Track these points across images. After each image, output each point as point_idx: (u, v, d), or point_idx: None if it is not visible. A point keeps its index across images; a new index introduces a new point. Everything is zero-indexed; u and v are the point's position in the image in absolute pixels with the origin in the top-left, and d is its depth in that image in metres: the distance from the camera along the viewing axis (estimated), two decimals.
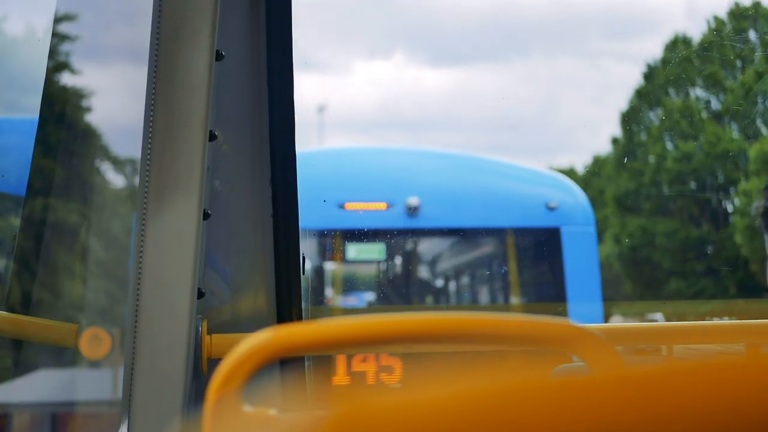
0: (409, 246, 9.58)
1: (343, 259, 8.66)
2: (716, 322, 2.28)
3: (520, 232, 8.24)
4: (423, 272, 10.85)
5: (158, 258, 2.05)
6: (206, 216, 2.15)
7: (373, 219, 7.97)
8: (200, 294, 2.15)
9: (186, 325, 2.05)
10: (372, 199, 7.91)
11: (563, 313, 7.35)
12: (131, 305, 2.05)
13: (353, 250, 8.55)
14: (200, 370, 2.17)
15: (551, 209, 7.74)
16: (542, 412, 0.57)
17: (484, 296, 10.09)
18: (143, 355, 2.04)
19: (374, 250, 8.82)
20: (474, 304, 10.05)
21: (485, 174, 8.29)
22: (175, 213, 2.05)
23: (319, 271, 9.03)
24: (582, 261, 7.75)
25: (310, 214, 7.18)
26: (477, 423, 0.56)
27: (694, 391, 0.57)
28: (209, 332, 2.22)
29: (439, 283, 11.27)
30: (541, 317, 1.09)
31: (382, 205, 7.85)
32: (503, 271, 9.20)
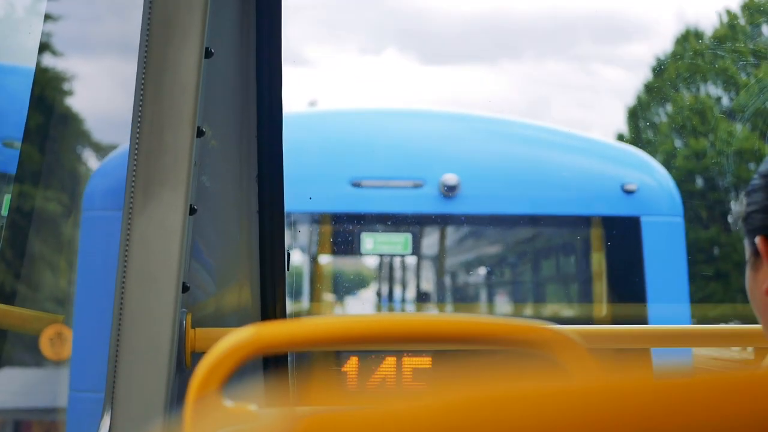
0: (443, 237, 7.64)
1: (357, 253, 6.83)
2: (704, 326, 2.29)
3: (586, 222, 6.47)
4: (459, 271, 9.02)
5: (144, 252, 2.07)
6: (193, 211, 2.16)
7: (398, 201, 6.20)
8: (185, 288, 2.17)
9: (170, 318, 2.07)
10: (396, 175, 6.17)
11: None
12: (116, 298, 2.07)
13: (370, 242, 6.65)
14: (184, 364, 2.18)
15: (628, 193, 6.07)
16: (518, 417, 0.58)
17: (534, 304, 8.11)
18: (127, 348, 2.06)
19: (397, 242, 6.80)
20: (523, 315, 7.86)
21: (541, 146, 6.48)
22: (162, 207, 2.07)
23: (323, 269, 7.41)
24: (667, 260, 6.11)
25: (317, 194, 5.97)
26: (453, 426, 0.57)
27: (670, 396, 0.57)
28: (193, 326, 2.24)
29: (480, 284, 9.34)
30: (517, 320, 1.11)
31: (409, 184, 6.16)
32: (562, 273, 7.59)
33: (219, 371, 1.16)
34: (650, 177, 6.30)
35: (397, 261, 8.51)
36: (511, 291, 8.88)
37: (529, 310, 7.96)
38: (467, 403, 0.56)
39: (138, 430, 2.03)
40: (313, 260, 7.47)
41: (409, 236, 6.78)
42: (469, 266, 9.17)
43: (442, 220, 6.91)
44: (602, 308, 6.44)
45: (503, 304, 8.73)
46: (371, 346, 1.89)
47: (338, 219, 6.61)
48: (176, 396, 2.11)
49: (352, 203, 6.20)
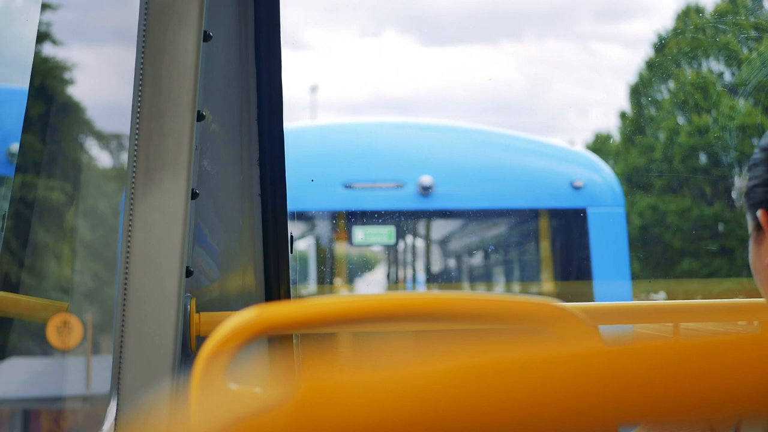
0: (421, 229, 9.08)
1: (350, 244, 7.95)
2: (709, 300, 2.32)
3: (542, 213, 7.62)
4: (436, 257, 10.48)
5: (147, 237, 2.07)
6: (194, 195, 2.16)
7: (383, 200, 7.38)
8: (189, 272, 2.17)
9: (174, 303, 2.07)
10: (381, 178, 7.33)
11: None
12: (120, 284, 2.07)
13: (360, 234, 7.81)
14: (189, 348, 2.18)
15: (577, 188, 7.18)
16: (521, 391, 0.58)
17: (500, 283, 9.49)
18: (132, 333, 2.06)
19: (383, 234, 8.04)
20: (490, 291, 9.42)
21: (503, 150, 7.70)
22: (164, 192, 2.07)
23: (322, 256, 8.60)
24: (610, 245, 7.15)
25: (315, 194, 7.46)
26: (457, 399, 0.57)
27: (675, 370, 0.57)
28: (198, 310, 2.24)
29: (454, 267, 10.87)
30: (522, 297, 1.11)
31: (392, 185, 7.28)
32: (522, 257, 8.73)
33: (223, 354, 1.16)
34: (596, 174, 7.43)
35: (384, 249, 10.00)
36: (480, 273, 10.44)
37: (494, 288, 9.47)
38: (459, 370, 0.56)
39: (144, 414, 2.03)
40: (315, 250, 8.79)
41: (393, 228, 8.02)
42: (444, 253, 10.71)
43: (420, 215, 8.19)
44: (555, 286, 7.57)
45: (473, 284, 10.25)
46: (375, 326, 1.89)
47: (333, 215, 7.81)
48: (182, 380, 2.11)
49: (345, 202, 7.40)
